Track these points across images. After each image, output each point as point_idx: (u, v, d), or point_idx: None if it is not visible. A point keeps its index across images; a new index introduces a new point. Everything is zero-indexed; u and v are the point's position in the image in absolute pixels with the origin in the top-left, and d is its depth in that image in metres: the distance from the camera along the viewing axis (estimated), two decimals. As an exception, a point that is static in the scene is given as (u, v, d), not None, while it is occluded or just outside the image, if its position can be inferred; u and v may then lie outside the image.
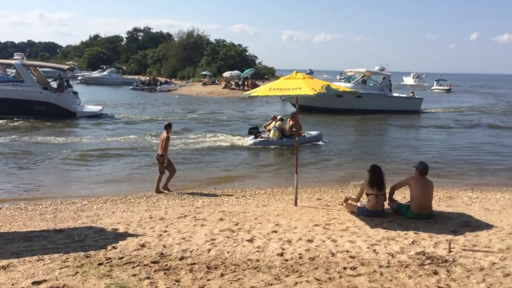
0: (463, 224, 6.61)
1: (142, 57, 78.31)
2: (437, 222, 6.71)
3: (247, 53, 67.15)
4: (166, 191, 9.57)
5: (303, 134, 16.11)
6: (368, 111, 27.13)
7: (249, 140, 15.95)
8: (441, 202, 8.35)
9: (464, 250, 5.32)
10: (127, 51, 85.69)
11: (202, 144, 15.86)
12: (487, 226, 6.47)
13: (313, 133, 17.11)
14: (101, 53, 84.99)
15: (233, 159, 13.82)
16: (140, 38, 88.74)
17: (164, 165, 9.51)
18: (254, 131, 16.58)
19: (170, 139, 9.64)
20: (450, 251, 5.24)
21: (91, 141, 16.14)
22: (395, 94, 30.51)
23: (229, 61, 61.99)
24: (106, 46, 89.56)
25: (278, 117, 16.18)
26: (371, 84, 28.79)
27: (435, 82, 68.68)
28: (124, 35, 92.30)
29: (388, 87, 29.59)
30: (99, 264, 4.78)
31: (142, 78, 57.47)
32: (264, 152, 14.97)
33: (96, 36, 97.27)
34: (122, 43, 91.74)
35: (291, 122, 15.98)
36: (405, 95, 30.92)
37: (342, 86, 26.16)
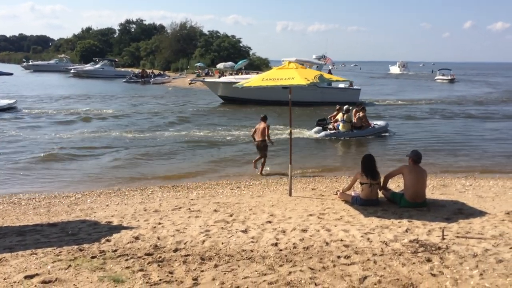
0: (456, 211, 6.64)
1: (135, 49, 77.76)
2: (431, 210, 6.74)
3: (241, 44, 66.88)
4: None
5: (372, 125, 16.28)
6: (297, 103, 24.03)
7: (317, 132, 15.93)
8: (435, 190, 8.38)
9: (457, 237, 5.34)
10: (120, 44, 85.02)
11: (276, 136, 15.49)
12: (480, 213, 6.50)
13: (381, 123, 17.10)
14: (94, 46, 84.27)
15: (321, 150, 13.92)
16: (133, 30, 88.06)
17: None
18: (322, 122, 16.56)
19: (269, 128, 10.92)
20: (443, 239, 5.26)
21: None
22: (332, 86, 27.75)
23: (223, 53, 61.71)
24: (99, 39, 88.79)
25: (345, 108, 15.94)
26: None
27: (438, 72, 65.40)
28: (116, 27, 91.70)
29: None
30: (92, 257, 4.75)
31: (136, 70, 57.14)
32: (338, 144, 15.04)
33: (89, 29, 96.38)
34: (115, 36, 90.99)
35: (361, 114, 16.02)
36: (342, 86, 28.03)
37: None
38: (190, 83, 37.54)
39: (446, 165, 11.62)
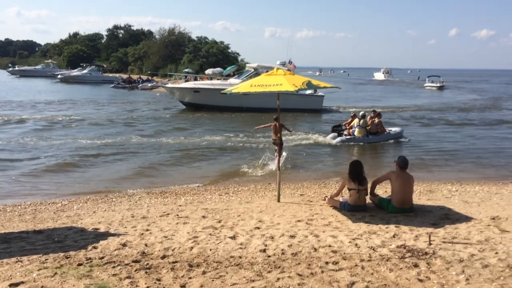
0: (443, 216, 6.71)
1: (123, 54, 77.42)
2: (418, 216, 6.80)
3: (230, 50, 67.01)
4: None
5: (387, 131, 16.42)
6: (257, 109, 25.12)
7: (333, 138, 16.06)
8: (421, 195, 8.46)
9: (444, 242, 5.39)
10: (108, 49, 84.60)
11: (292, 142, 15.81)
12: (466, 219, 6.58)
13: (397, 129, 17.24)
14: (81, 51, 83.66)
15: (336, 157, 13.89)
16: (121, 35, 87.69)
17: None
18: (337, 128, 16.69)
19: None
20: (430, 244, 5.30)
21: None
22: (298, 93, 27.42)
23: (211, 58, 61.75)
24: (86, 44, 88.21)
25: (361, 114, 16.17)
26: None
27: (427, 79, 64.37)
28: (104, 32, 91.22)
29: None
30: (79, 265, 4.70)
31: (124, 76, 56.88)
32: (354, 149, 15.11)
33: (76, 34, 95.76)
34: (102, 41, 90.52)
35: (376, 120, 16.16)
36: (306, 93, 26.52)
37: (234, 81, 25.58)
38: (151, 89, 37.10)
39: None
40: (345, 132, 16.18)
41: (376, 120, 16.14)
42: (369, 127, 15.87)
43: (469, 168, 12.33)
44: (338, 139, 15.84)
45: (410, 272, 4.36)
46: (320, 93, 27.52)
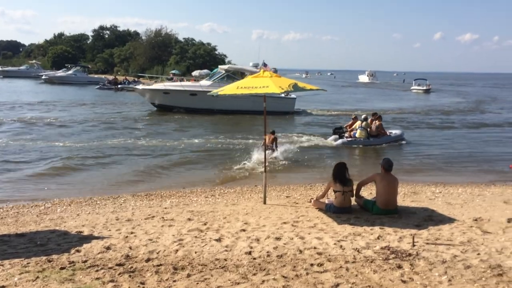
0: (426, 218, 6.78)
1: (109, 55, 76.83)
2: (402, 217, 6.86)
3: (217, 52, 67.02)
4: None
5: (388, 134, 16.54)
6: (229, 111, 25.38)
7: (334, 140, 16.14)
8: (406, 197, 8.54)
9: (427, 243, 5.45)
10: (93, 50, 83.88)
11: (295, 144, 15.66)
12: (450, 220, 6.66)
13: (397, 132, 17.35)
14: (66, 52, 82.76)
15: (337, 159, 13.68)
16: (107, 36, 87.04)
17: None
18: (339, 131, 16.78)
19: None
20: (413, 245, 5.36)
21: None
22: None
23: (198, 60, 61.69)
24: (71, 45, 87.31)
25: (363, 117, 16.30)
26: (233, 82, 26.20)
27: (413, 82, 64.04)
28: (90, 33, 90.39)
29: None
30: (61, 268, 4.64)
31: (110, 77, 56.38)
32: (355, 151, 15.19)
33: (61, 35, 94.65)
34: (88, 42, 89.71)
35: (377, 122, 16.23)
36: (278, 96, 26.46)
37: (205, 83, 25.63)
38: (116, 90, 36.51)
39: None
40: (346, 135, 16.29)
41: (377, 122, 16.28)
42: (370, 129, 16.01)
43: (453, 170, 12.49)
44: (339, 141, 15.94)
45: (394, 274, 4.40)
46: (292, 96, 27.23)
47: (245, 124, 21.94)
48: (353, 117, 17.29)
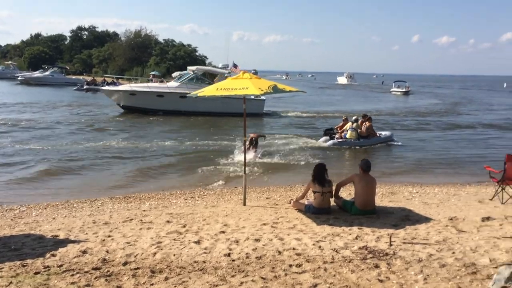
0: (403, 218, 6.88)
1: (87, 56, 75.72)
2: (380, 217, 6.95)
3: (197, 53, 66.74)
4: None
5: (378, 135, 16.72)
6: (196, 113, 25.14)
7: (325, 141, 16.20)
8: (383, 197, 8.65)
9: (404, 243, 5.53)
10: (71, 51, 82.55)
11: (285, 146, 15.85)
12: (426, 219, 6.77)
13: (387, 133, 17.53)
14: (43, 53, 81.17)
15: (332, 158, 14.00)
16: (85, 37, 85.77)
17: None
18: (329, 132, 16.88)
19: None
20: (391, 245, 5.43)
21: None
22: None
23: (179, 61, 61.32)
24: (48, 45, 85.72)
25: (353, 118, 16.47)
26: (201, 83, 24.74)
27: (393, 84, 64.61)
28: (67, 34, 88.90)
29: None
30: (36, 273, 4.54)
31: (88, 78, 55.53)
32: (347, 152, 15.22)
33: (38, 35, 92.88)
34: (66, 42, 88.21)
35: (367, 124, 16.36)
36: (247, 97, 26.82)
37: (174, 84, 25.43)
38: (86, 91, 36.04)
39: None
40: (337, 136, 16.44)
41: (367, 124, 16.48)
42: (360, 130, 16.19)
43: (430, 171, 12.71)
44: (330, 142, 16.06)
45: (371, 273, 4.44)
46: (262, 97, 26.44)
47: (220, 126, 21.85)
48: (343, 118, 17.49)
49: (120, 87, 27.92)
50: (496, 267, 4.47)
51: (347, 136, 15.99)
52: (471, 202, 8.15)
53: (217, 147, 15.39)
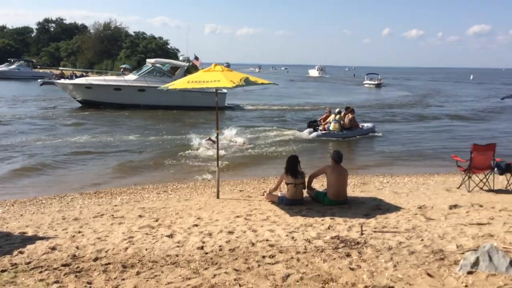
0: (374, 207, 7.01)
1: (54, 49, 73.72)
2: (352, 207, 7.06)
3: (169, 46, 65.88)
4: None
5: (360, 126, 17.07)
6: (155, 106, 24.50)
7: (309, 133, 16.39)
8: (355, 188, 8.78)
9: (374, 232, 5.63)
10: (38, 43, 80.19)
11: (270, 138, 16.03)
12: (396, 208, 6.92)
13: (369, 125, 17.88)
14: (9, 45, 78.57)
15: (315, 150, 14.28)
16: (52, 29, 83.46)
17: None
18: (313, 124, 17.06)
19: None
20: (362, 234, 5.52)
21: None
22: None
23: (150, 54, 60.29)
24: (14, 38, 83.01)
25: (337, 110, 16.79)
26: (161, 76, 24.94)
27: (366, 76, 64.62)
28: (34, 26, 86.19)
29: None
30: (3, 271, 4.41)
31: (56, 72, 54.01)
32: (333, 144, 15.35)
33: (3, 27, 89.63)
34: (32, 35, 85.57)
35: (350, 116, 16.60)
36: (207, 91, 26.90)
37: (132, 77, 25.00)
38: (41, 84, 35.07)
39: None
40: (320, 128, 16.65)
41: (350, 116, 16.73)
42: (343, 122, 16.42)
43: (400, 161, 12.97)
44: (314, 134, 16.27)
45: (343, 262, 4.51)
46: (223, 91, 25.98)
47: (183, 120, 21.57)
48: (327, 110, 17.78)
49: (75, 80, 27.04)
50: (462, 253, 4.61)
51: (331, 128, 16.24)
52: (439, 190, 8.37)
53: (184, 142, 15.12)
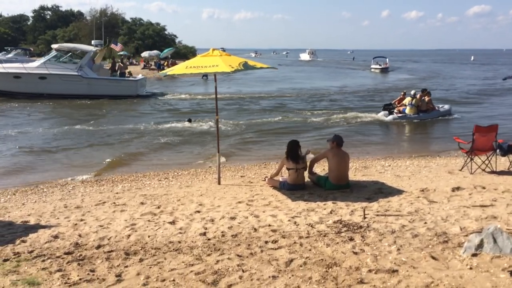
0: (376, 191, 6.99)
1: (51, 37, 72.90)
2: (354, 191, 7.04)
3: (166, 32, 65.45)
4: None
5: (437, 108, 17.11)
6: (59, 95, 22.44)
7: (385, 116, 16.54)
8: (357, 172, 8.75)
9: (377, 215, 5.62)
10: (35, 31, 79.36)
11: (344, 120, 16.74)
12: (398, 192, 6.90)
13: (446, 106, 17.89)
14: (5, 34, 77.59)
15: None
16: (48, 17, 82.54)
17: None
18: (388, 107, 17.13)
19: None
20: (364, 218, 5.50)
21: None
22: (105, 77, 23.86)
23: (148, 41, 60.06)
24: (10, 26, 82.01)
25: (412, 93, 16.84)
26: (66, 62, 23.28)
27: (372, 60, 58.58)
28: (30, 14, 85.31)
29: (98, 67, 24.04)
30: (5, 260, 4.40)
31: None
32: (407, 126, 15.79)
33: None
34: (28, 23, 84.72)
35: (426, 98, 16.62)
36: (114, 78, 24.20)
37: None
38: None
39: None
40: (395, 110, 16.66)
41: (426, 98, 16.74)
42: (420, 105, 16.40)
43: (401, 144, 12.97)
44: (390, 117, 16.34)
45: (346, 246, 4.49)
46: (138, 77, 24.87)
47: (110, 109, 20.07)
48: (402, 93, 17.89)
49: None
50: (466, 235, 4.60)
51: (407, 111, 16.24)
52: (441, 173, 8.34)
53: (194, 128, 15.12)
